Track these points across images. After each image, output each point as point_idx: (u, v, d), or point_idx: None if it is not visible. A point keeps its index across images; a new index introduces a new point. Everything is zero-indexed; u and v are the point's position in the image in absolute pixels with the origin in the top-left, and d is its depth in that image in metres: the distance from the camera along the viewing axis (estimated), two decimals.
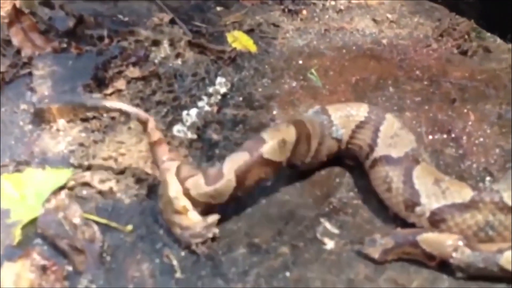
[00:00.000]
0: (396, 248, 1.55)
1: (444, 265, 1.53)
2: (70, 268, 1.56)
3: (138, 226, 1.65)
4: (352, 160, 1.81)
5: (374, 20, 2.41)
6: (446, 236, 1.53)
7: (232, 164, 1.62)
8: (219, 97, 2.04)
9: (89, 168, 1.80)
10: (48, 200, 1.68)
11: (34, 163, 1.83)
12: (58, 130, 1.93)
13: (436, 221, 1.57)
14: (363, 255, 1.58)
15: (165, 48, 2.20)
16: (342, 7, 2.47)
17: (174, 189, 1.61)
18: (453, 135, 1.91)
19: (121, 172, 1.79)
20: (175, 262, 1.56)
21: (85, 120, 1.95)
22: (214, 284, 1.52)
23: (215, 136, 1.92)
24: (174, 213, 1.60)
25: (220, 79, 2.10)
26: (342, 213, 1.70)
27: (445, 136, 1.92)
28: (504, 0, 2.33)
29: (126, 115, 1.77)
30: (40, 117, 1.95)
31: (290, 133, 1.68)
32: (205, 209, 1.62)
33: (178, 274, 1.54)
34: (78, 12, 2.29)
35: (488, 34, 2.32)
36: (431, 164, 1.72)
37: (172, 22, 2.32)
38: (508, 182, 1.62)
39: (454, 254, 1.51)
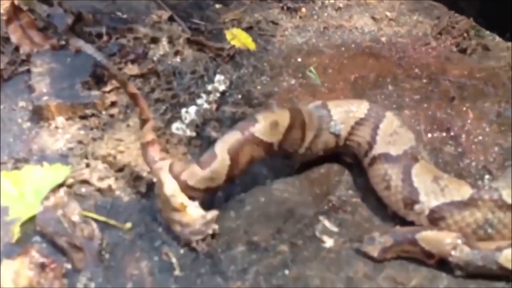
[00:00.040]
0: (395, 246, 1.55)
1: (443, 263, 1.53)
2: (69, 266, 1.56)
3: (137, 223, 1.65)
4: (351, 157, 1.81)
5: (373, 18, 2.41)
6: (445, 234, 1.53)
7: (224, 144, 1.63)
8: (218, 94, 2.04)
9: (88, 165, 1.80)
10: (47, 198, 1.68)
11: (32, 160, 1.83)
12: (56, 127, 1.93)
13: (435, 219, 1.57)
14: (362, 253, 1.58)
15: (163, 45, 2.20)
16: (341, 5, 2.47)
17: (170, 187, 1.61)
18: (452, 133, 1.91)
19: (120, 169, 1.79)
20: (174, 260, 1.56)
21: (83, 117, 1.95)
22: (213, 282, 1.52)
23: (214, 134, 1.91)
24: (173, 210, 1.60)
25: (219, 77, 2.09)
26: (341, 211, 1.70)
27: (444, 134, 1.92)
28: None
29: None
30: (38, 115, 1.95)
31: (283, 117, 1.69)
32: (207, 196, 1.63)
33: (177, 272, 1.54)
34: (77, 9, 2.28)
35: (487, 32, 2.32)
36: (430, 162, 1.72)
37: (170, 19, 2.32)
38: (507, 180, 1.63)
39: (453, 252, 1.51)
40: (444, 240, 1.52)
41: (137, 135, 1.87)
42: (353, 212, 1.70)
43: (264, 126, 1.66)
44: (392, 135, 1.71)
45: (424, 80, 2.11)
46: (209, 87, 2.06)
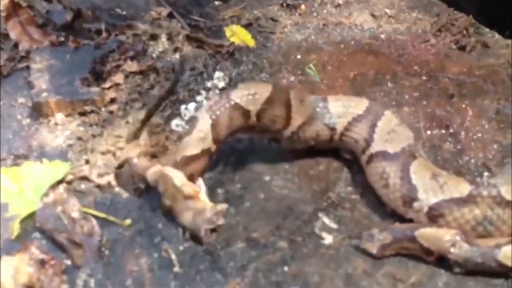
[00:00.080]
0: (394, 243, 1.56)
1: (442, 260, 1.54)
2: (68, 262, 1.56)
3: (137, 220, 1.65)
4: (349, 154, 1.81)
5: (373, 15, 2.41)
6: (444, 231, 1.54)
7: (204, 107, 1.74)
8: (217, 91, 2.04)
9: (87, 162, 1.80)
10: (46, 194, 1.68)
11: (32, 157, 1.83)
12: (56, 124, 1.93)
13: (434, 216, 1.58)
14: (361, 250, 1.58)
15: (163, 42, 2.19)
16: (340, 2, 2.46)
17: (178, 178, 1.61)
18: (451, 131, 1.92)
19: (120, 166, 1.78)
20: (173, 256, 1.56)
21: (83, 114, 1.95)
22: (212, 278, 1.52)
23: None
24: (186, 199, 1.60)
25: (218, 74, 2.09)
26: (340, 208, 1.70)
27: (443, 131, 1.92)
28: None
29: None
30: (38, 111, 1.95)
31: (263, 89, 1.75)
32: (206, 165, 1.68)
33: (176, 268, 1.54)
34: (76, 6, 2.27)
35: (487, 29, 2.32)
36: (428, 160, 1.72)
37: (170, 16, 2.31)
38: (506, 177, 1.63)
39: (452, 249, 1.51)
40: (443, 237, 1.52)
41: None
42: (352, 208, 1.70)
43: (241, 91, 1.73)
44: (389, 133, 1.71)
45: (424, 77, 2.11)
46: (209, 84, 2.06)
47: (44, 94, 1.96)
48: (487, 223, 1.56)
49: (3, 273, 1.48)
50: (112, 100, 1.98)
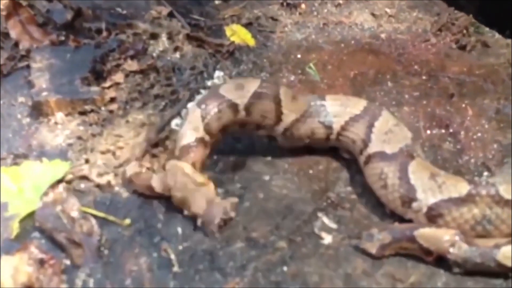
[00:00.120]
0: (394, 243, 1.56)
1: (441, 260, 1.54)
2: (67, 262, 1.56)
3: (136, 220, 1.65)
4: (348, 153, 1.81)
5: (373, 15, 2.40)
6: (443, 231, 1.54)
7: (194, 102, 1.80)
8: None
9: (87, 161, 1.80)
10: (46, 194, 1.68)
11: (32, 156, 1.83)
12: (56, 123, 1.93)
13: (433, 216, 1.57)
14: (360, 250, 1.58)
15: (163, 41, 2.19)
16: (340, 1, 2.46)
17: (187, 168, 1.64)
18: (451, 130, 1.92)
19: (119, 165, 1.79)
20: (173, 256, 1.56)
21: (83, 113, 1.95)
22: (212, 278, 1.53)
23: None
24: (199, 186, 1.62)
25: (218, 73, 2.09)
26: (340, 207, 1.70)
27: (443, 131, 1.92)
28: None
29: None
30: (38, 110, 1.95)
31: (251, 83, 1.79)
32: (205, 155, 1.73)
33: (175, 268, 1.54)
34: (76, 5, 2.27)
35: (487, 29, 2.31)
36: (426, 160, 1.72)
37: (170, 15, 2.31)
38: (504, 175, 1.63)
39: (451, 250, 1.51)
40: (442, 237, 1.52)
41: (137, 131, 1.88)
42: (351, 208, 1.70)
43: (230, 85, 1.80)
44: (387, 134, 1.71)
45: (424, 77, 2.11)
46: (209, 83, 2.05)
47: (44, 93, 1.96)
48: (486, 223, 1.56)
49: (2, 272, 1.48)
50: (112, 99, 1.98)
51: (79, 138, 1.87)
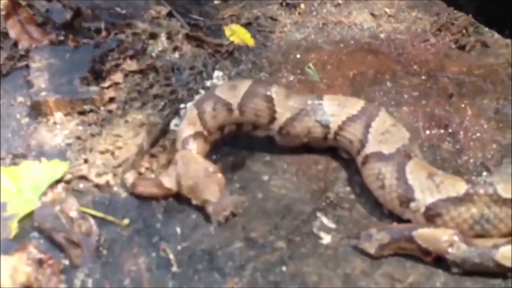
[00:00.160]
0: (392, 243, 1.56)
1: (440, 260, 1.53)
2: (66, 262, 1.56)
3: (135, 220, 1.65)
4: (347, 153, 1.81)
5: (372, 14, 2.40)
6: (442, 232, 1.54)
7: (192, 103, 1.88)
8: None
9: (86, 161, 1.80)
10: (44, 194, 1.68)
11: (31, 156, 1.83)
12: (55, 123, 1.93)
13: (431, 216, 1.57)
14: (359, 250, 1.58)
15: (162, 41, 2.19)
16: (340, 1, 2.46)
17: (199, 157, 1.69)
18: (450, 130, 1.91)
19: (118, 165, 1.79)
20: (171, 256, 1.56)
21: (82, 113, 1.95)
22: (211, 278, 1.53)
23: None
24: (212, 173, 1.65)
25: (217, 73, 2.09)
26: (338, 207, 1.70)
27: (442, 131, 1.92)
28: None
29: None
30: (37, 110, 1.95)
31: (244, 83, 1.83)
32: (206, 149, 1.77)
33: (174, 268, 1.54)
34: (76, 5, 2.27)
35: (486, 29, 2.31)
36: (423, 160, 1.72)
37: (169, 15, 2.31)
38: (502, 175, 1.63)
39: (450, 250, 1.51)
40: (440, 237, 1.52)
41: (136, 131, 1.88)
42: (350, 208, 1.70)
43: (224, 86, 1.86)
44: (384, 134, 1.70)
45: (423, 77, 2.11)
46: (208, 83, 2.06)
47: (43, 93, 1.96)
48: (484, 222, 1.56)
49: (1, 272, 1.49)
50: (111, 99, 1.98)
51: (78, 138, 1.87)
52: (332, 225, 1.66)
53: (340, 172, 1.80)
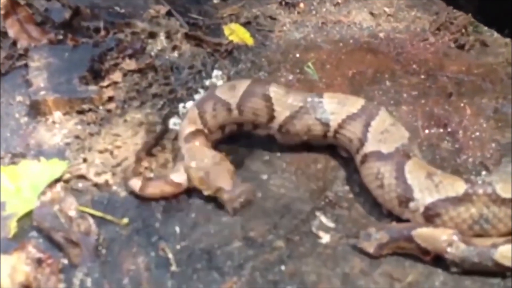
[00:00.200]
0: (391, 243, 1.56)
1: (439, 260, 1.54)
2: (65, 261, 1.56)
3: (134, 219, 1.65)
4: (346, 152, 1.81)
5: (372, 14, 2.40)
6: (441, 231, 1.54)
7: (193, 102, 1.90)
8: None
9: (85, 160, 1.80)
10: (43, 193, 1.68)
11: (29, 155, 1.83)
12: (54, 122, 1.93)
13: (430, 216, 1.57)
14: (358, 249, 1.58)
15: (161, 40, 2.19)
16: (339, 1, 2.46)
17: (206, 149, 1.72)
18: (449, 129, 1.91)
19: (117, 164, 1.79)
20: (170, 255, 1.56)
21: (81, 112, 1.95)
22: (210, 277, 1.53)
23: None
24: (221, 161, 1.68)
25: (216, 72, 2.09)
26: (337, 207, 1.70)
27: (441, 130, 1.92)
28: None
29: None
30: (36, 109, 1.95)
31: (242, 83, 1.85)
32: (208, 146, 1.77)
33: (173, 267, 1.54)
34: (74, 4, 2.28)
35: (485, 28, 2.31)
36: (422, 160, 1.72)
37: (168, 14, 2.31)
38: (501, 174, 1.63)
39: (449, 249, 1.51)
40: (439, 237, 1.52)
41: (134, 130, 1.88)
42: (349, 208, 1.70)
43: (224, 86, 1.88)
44: (383, 133, 1.70)
45: (422, 76, 2.11)
46: (207, 83, 2.06)
47: (42, 92, 1.96)
48: (483, 222, 1.56)
49: (0, 272, 1.48)
50: (110, 99, 1.98)
51: (77, 137, 1.87)
52: (331, 225, 1.66)
53: (339, 171, 1.80)
